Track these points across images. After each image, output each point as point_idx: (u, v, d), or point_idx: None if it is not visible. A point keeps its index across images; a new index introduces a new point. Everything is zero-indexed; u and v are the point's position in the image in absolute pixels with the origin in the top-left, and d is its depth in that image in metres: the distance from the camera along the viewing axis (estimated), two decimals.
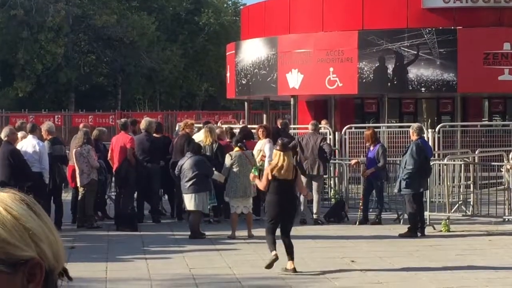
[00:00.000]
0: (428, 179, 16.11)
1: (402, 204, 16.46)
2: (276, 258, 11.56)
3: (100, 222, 16.90)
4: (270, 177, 11.87)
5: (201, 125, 19.27)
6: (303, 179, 16.86)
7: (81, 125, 18.32)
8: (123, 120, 18.53)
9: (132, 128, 17.66)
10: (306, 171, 16.71)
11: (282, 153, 11.90)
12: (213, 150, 16.46)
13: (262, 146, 16.56)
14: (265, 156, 16.20)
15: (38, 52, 50.03)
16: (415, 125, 16.26)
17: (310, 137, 16.91)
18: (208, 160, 15.65)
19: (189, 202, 14.96)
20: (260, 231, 12.40)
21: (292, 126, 22.67)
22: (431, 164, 16.63)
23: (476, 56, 23.37)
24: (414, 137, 15.51)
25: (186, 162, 15.05)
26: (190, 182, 14.84)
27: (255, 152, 16.18)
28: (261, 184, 12.23)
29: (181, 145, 16.67)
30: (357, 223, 16.63)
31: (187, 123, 17.68)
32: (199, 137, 17.30)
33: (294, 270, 11.65)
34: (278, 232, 11.95)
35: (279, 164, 11.83)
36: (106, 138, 19.08)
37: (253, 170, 13.49)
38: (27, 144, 15.14)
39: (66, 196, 17.77)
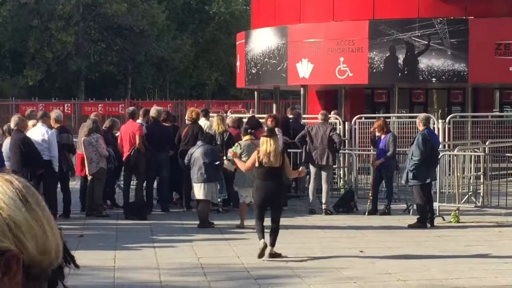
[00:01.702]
0: (438, 170, 16.05)
1: (412, 195, 16.40)
2: (264, 246, 11.79)
3: (109, 210, 16.91)
4: (257, 164, 12.02)
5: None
6: (312, 169, 16.87)
7: (92, 114, 18.30)
8: (131, 108, 18.49)
9: (147, 118, 17.59)
10: (315, 161, 16.68)
11: (269, 139, 11.96)
12: (224, 139, 16.46)
13: None
14: None
15: (48, 41, 50.09)
16: (422, 115, 16.19)
17: (320, 127, 16.85)
18: (218, 150, 15.69)
19: (198, 191, 14.94)
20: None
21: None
22: (441, 154, 16.58)
23: (488, 46, 23.24)
24: (421, 127, 15.45)
25: (196, 151, 15.03)
26: (200, 171, 14.83)
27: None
28: (243, 166, 12.53)
29: (194, 134, 16.65)
30: (366, 213, 16.59)
31: (192, 111, 17.63)
32: (202, 123, 17.36)
33: (271, 255, 11.85)
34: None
35: (267, 151, 11.88)
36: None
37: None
38: (36, 132, 15.12)
39: (75, 184, 17.78)
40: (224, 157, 15.63)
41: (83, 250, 12.17)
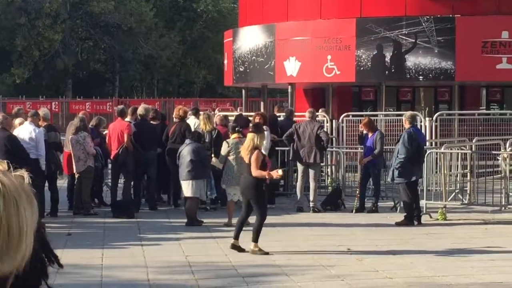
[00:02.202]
0: (425, 167, 16.10)
1: (399, 193, 16.44)
2: (232, 246, 12.16)
3: (96, 209, 16.89)
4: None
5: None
6: (300, 167, 16.90)
7: (80, 113, 18.28)
8: (120, 106, 18.48)
9: (135, 116, 17.57)
10: (302, 159, 16.70)
11: (252, 134, 12.23)
12: (212, 137, 16.46)
13: None
14: None
15: (35, 39, 49.95)
16: (407, 113, 16.26)
17: (307, 125, 16.88)
18: (206, 148, 15.72)
19: (187, 188, 14.96)
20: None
21: None
22: (428, 152, 16.63)
23: (474, 44, 23.32)
24: (406, 125, 15.51)
25: (184, 149, 15.07)
26: (188, 169, 14.85)
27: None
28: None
29: (181, 132, 16.66)
30: (354, 211, 16.63)
31: (180, 109, 17.64)
32: (191, 122, 17.37)
33: (252, 251, 12.02)
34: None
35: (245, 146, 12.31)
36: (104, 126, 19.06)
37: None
38: (24, 131, 15.10)
39: (63, 183, 17.75)
40: (212, 155, 15.64)
41: (70, 249, 12.17)
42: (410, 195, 15.13)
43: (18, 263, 1.55)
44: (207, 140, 16.35)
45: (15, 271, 1.56)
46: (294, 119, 19.48)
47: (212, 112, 21.30)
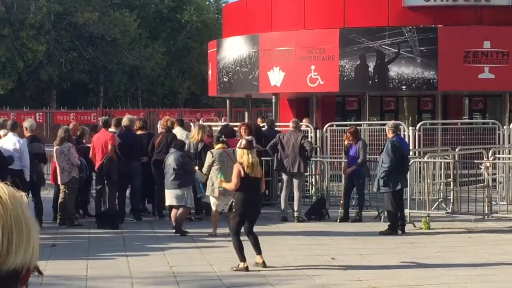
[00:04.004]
0: (408, 176, 16.19)
1: (383, 202, 16.52)
2: (247, 269, 11.59)
3: (81, 220, 16.88)
4: (242, 175, 11.83)
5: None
6: (284, 177, 16.97)
7: (71, 124, 18.31)
8: (104, 117, 18.50)
9: (120, 127, 17.59)
10: (287, 169, 16.76)
11: (247, 151, 11.90)
12: (197, 149, 16.46)
13: None
14: None
15: (19, 50, 49.83)
16: (390, 122, 16.34)
17: (291, 135, 16.95)
18: (190, 157, 15.78)
19: (171, 197, 15.02)
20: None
21: None
22: (411, 161, 16.73)
23: (457, 54, 23.48)
24: (390, 134, 15.58)
25: (169, 158, 15.16)
26: (172, 178, 14.92)
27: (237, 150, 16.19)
28: (231, 184, 12.04)
29: (168, 142, 16.68)
30: (338, 220, 16.69)
31: (167, 120, 17.71)
32: (178, 133, 17.40)
33: (264, 264, 11.76)
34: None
35: (250, 162, 11.84)
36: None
37: (219, 175, 13.45)
38: (8, 142, 15.09)
39: (47, 193, 17.73)
40: (196, 167, 15.66)
41: (55, 260, 12.17)
42: (394, 204, 15.20)
43: (29, 258, 1.70)
44: (192, 151, 16.37)
45: (26, 265, 1.70)
46: (279, 129, 19.54)
47: (206, 124, 21.03)
